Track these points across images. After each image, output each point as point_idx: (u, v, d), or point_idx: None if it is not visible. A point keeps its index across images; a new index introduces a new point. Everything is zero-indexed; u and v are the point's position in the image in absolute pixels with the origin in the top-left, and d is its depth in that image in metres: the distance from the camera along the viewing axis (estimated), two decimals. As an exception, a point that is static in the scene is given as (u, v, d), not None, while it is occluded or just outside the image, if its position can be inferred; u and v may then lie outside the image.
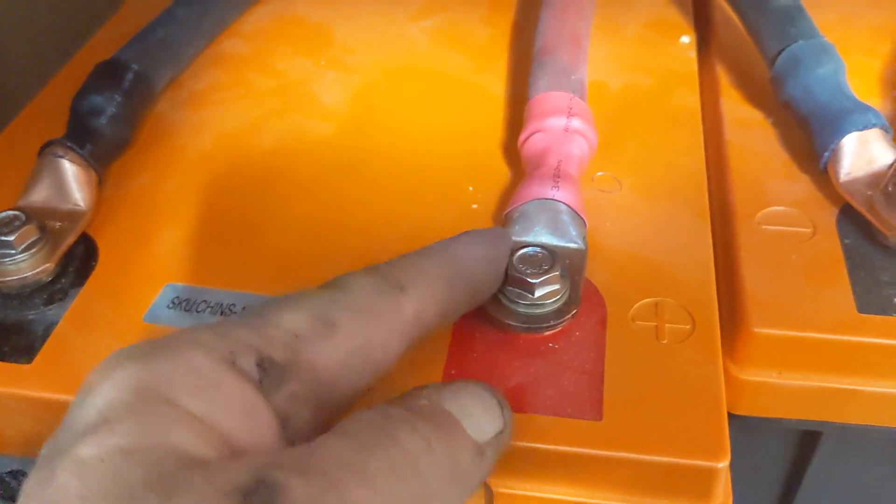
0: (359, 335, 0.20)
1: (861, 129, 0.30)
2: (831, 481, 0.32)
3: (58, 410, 0.26)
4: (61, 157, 0.30)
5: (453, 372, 0.25)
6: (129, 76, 0.34)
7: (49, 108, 0.36)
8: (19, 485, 0.26)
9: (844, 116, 0.30)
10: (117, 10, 0.44)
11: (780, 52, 0.34)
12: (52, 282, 0.29)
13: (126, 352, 0.18)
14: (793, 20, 0.34)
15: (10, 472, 0.26)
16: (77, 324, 0.27)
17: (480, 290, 0.25)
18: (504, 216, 0.29)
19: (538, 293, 0.26)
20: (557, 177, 0.29)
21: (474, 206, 0.31)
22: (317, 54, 0.40)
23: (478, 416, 0.20)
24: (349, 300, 0.21)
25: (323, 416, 0.20)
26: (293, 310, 0.20)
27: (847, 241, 0.29)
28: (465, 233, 0.25)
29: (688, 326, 0.27)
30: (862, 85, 0.34)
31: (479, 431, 0.20)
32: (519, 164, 0.32)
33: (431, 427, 0.19)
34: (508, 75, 0.38)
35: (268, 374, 0.19)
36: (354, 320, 0.20)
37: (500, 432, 0.21)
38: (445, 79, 0.38)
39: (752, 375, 0.28)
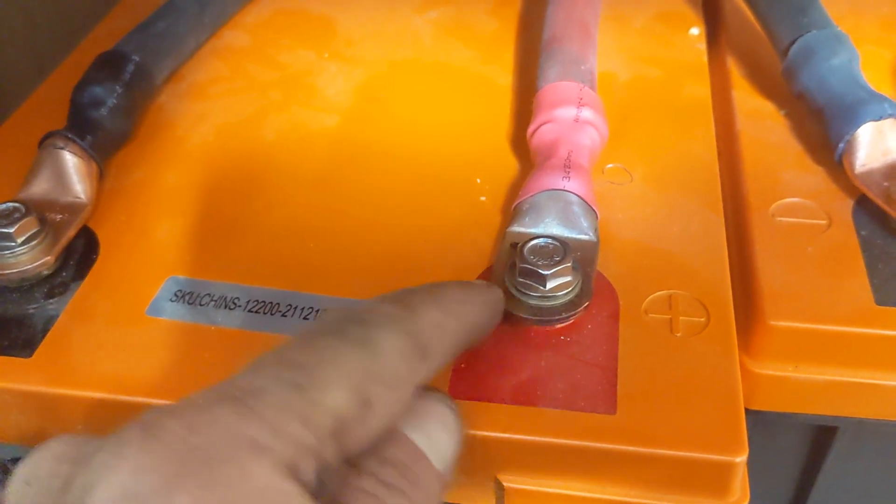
0: (388, 413, 0.19)
1: (877, 120, 0.30)
2: (847, 477, 0.32)
3: (57, 405, 0.25)
4: (62, 148, 0.30)
5: (463, 365, 0.25)
6: (130, 68, 0.34)
7: (50, 99, 0.36)
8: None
9: (859, 107, 0.30)
10: (118, 1, 0.43)
11: (792, 43, 0.33)
12: (53, 275, 0.28)
13: (162, 460, 0.16)
14: (805, 9, 0.34)
15: (13, 460, 0.26)
16: (78, 318, 0.27)
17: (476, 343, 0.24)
18: (513, 208, 0.29)
19: (550, 285, 0.25)
20: (568, 167, 0.28)
21: (482, 198, 0.31)
22: (320, 46, 0.39)
23: (441, 441, 0.20)
24: (383, 372, 0.19)
25: None
26: (336, 384, 0.19)
27: (863, 233, 0.29)
28: (477, 289, 0.24)
29: (702, 319, 0.26)
30: (875, 75, 0.34)
31: (442, 459, 0.20)
32: (527, 155, 0.32)
33: (403, 482, 0.19)
34: (515, 66, 0.37)
35: (323, 487, 0.17)
36: (387, 398, 0.19)
37: (458, 450, 0.21)
38: (451, 71, 0.38)
39: (768, 369, 0.27)
